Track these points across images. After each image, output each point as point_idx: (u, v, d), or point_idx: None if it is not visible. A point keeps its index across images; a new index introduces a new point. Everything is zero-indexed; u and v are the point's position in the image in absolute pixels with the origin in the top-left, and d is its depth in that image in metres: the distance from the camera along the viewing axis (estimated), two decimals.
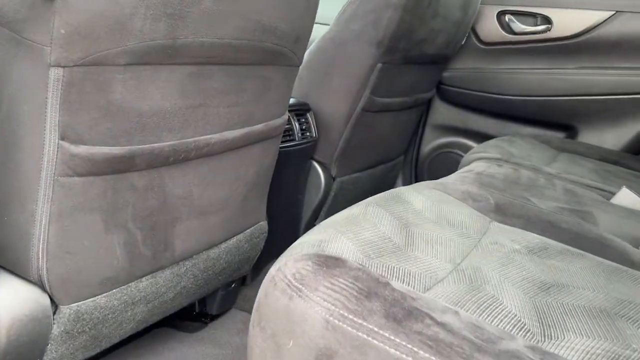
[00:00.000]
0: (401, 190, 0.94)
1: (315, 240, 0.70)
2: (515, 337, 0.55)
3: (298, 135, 1.44)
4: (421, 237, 0.77)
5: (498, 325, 0.57)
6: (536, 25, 1.92)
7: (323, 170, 1.59)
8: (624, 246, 0.89)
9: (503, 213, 0.95)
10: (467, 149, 2.10)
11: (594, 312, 0.64)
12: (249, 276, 1.48)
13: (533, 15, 1.91)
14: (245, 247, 1.24)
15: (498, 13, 1.96)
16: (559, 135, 1.93)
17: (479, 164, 1.28)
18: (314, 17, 1.12)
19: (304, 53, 1.14)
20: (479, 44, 2.01)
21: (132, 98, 0.80)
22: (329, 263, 0.62)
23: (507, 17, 1.96)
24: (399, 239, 0.74)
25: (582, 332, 0.59)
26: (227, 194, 1.10)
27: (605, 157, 1.65)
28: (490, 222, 0.91)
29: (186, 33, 0.82)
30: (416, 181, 2.22)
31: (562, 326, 0.60)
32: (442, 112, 2.12)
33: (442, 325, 0.53)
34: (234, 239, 1.19)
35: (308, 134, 1.50)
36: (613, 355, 0.55)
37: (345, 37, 1.47)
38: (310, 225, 1.67)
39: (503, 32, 1.97)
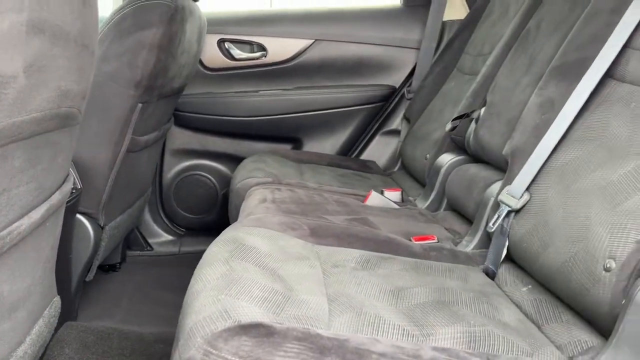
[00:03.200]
0: (235, 237, 1.00)
1: (219, 312, 0.72)
2: (422, 346, 0.71)
3: None
4: (290, 278, 0.86)
5: (400, 338, 0.72)
6: (253, 52, 2.14)
7: (90, 221, 1.47)
8: (404, 241, 1.16)
9: (317, 235, 1.10)
10: (208, 169, 2.20)
11: (435, 304, 0.85)
12: None
13: (249, 43, 2.12)
14: (45, 332, 1.08)
15: (218, 41, 2.11)
16: (287, 147, 2.21)
17: (261, 191, 1.41)
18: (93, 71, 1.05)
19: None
20: (204, 70, 2.12)
21: None
22: (261, 331, 0.66)
23: (226, 45, 2.12)
24: (279, 287, 0.82)
25: (442, 323, 0.79)
26: (30, 280, 0.95)
27: (331, 162, 1.98)
28: (314, 246, 1.06)
29: (1, 117, 0.70)
30: (163, 209, 2.21)
31: (429, 323, 0.79)
32: (180, 137, 2.15)
33: (384, 355, 0.65)
34: (36, 327, 1.03)
35: (72, 186, 1.36)
36: (467, 333, 0.77)
37: (98, 80, 1.38)
38: (81, 282, 1.52)
39: (225, 58, 2.13)
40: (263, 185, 1.48)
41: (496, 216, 1.07)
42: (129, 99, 1.41)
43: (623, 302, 0.72)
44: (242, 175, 1.62)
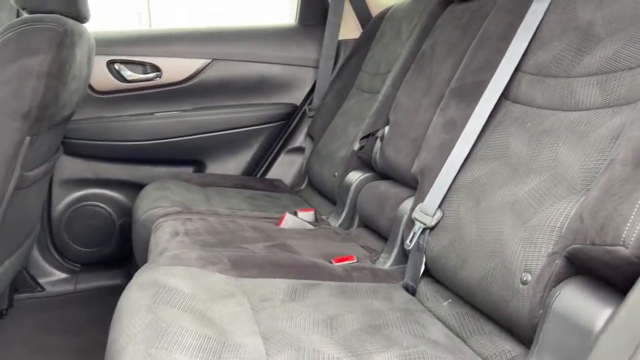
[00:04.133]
0: (154, 279, 0.94)
1: None
2: None
3: None
4: (220, 320, 0.83)
5: None
6: (147, 73, 2.04)
7: None
8: (327, 264, 1.17)
9: (239, 268, 1.07)
10: (104, 198, 2.07)
11: (368, 330, 0.87)
12: None
13: (142, 64, 2.03)
14: None
15: (108, 62, 1.99)
16: (189, 170, 2.13)
17: (171, 222, 1.35)
18: None
19: None
20: (93, 94, 1.99)
21: None
22: None
23: (117, 66, 2.01)
24: (211, 332, 0.78)
25: (378, 349, 0.80)
26: None
27: (237, 183, 1.95)
28: (237, 280, 1.03)
29: None
30: (54, 244, 2.04)
31: (366, 350, 0.80)
32: (69, 166, 2.00)
33: None
34: None
35: None
36: (402, 356, 0.79)
37: None
38: None
39: (116, 81, 2.01)
40: (172, 215, 1.41)
41: (412, 233, 1.11)
42: (15, 131, 1.28)
43: (541, 312, 0.78)
44: (146, 206, 1.53)
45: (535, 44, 1.07)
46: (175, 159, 2.10)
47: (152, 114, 2.05)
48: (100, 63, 1.96)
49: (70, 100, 1.50)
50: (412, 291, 1.11)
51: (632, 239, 0.66)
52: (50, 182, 1.98)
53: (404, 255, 1.22)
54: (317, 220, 1.58)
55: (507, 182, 0.96)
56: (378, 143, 1.51)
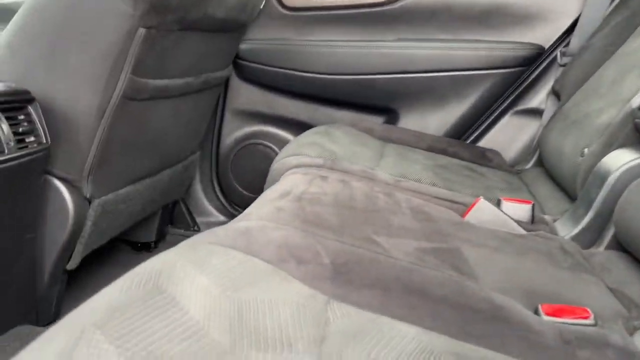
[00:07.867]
0: (172, 270, 0.50)
1: None
2: None
3: (8, 144, 0.89)
4: None
5: None
6: None
7: (70, 190, 1.05)
8: (523, 315, 0.58)
9: (345, 281, 0.56)
10: (276, 139, 1.72)
11: None
12: None
13: None
14: None
15: None
16: (378, 120, 1.65)
17: (297, 177, 0.89)
18: None
19: None
20: (281, 9, 1.63)
21: None
22: None
23: None
24: None
25: None
26: None
27: (432, 146, 1.40)
28: (328, 304, 0.52)
29: None
30: (219, 182, 1.79)
31: None
32: (243, 94, 1.70)
33: None
34: None
35: (33, 139, 0.95)
36: None
37: None
38: (59, 271, 1.13)
39: None
40: (305, 168, 0.95)
41: None
42: (123, 20, 0.95)
43: None
44: (288, 151, 1.10)
45: None
46: (363, 103, 1.64)
47: (344, 41, 1.60)
48: None
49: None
50: None
51: None
52: (223, 109, 1.72)
53: None
54: (533, 222, 0.95)
55: None
56: None
